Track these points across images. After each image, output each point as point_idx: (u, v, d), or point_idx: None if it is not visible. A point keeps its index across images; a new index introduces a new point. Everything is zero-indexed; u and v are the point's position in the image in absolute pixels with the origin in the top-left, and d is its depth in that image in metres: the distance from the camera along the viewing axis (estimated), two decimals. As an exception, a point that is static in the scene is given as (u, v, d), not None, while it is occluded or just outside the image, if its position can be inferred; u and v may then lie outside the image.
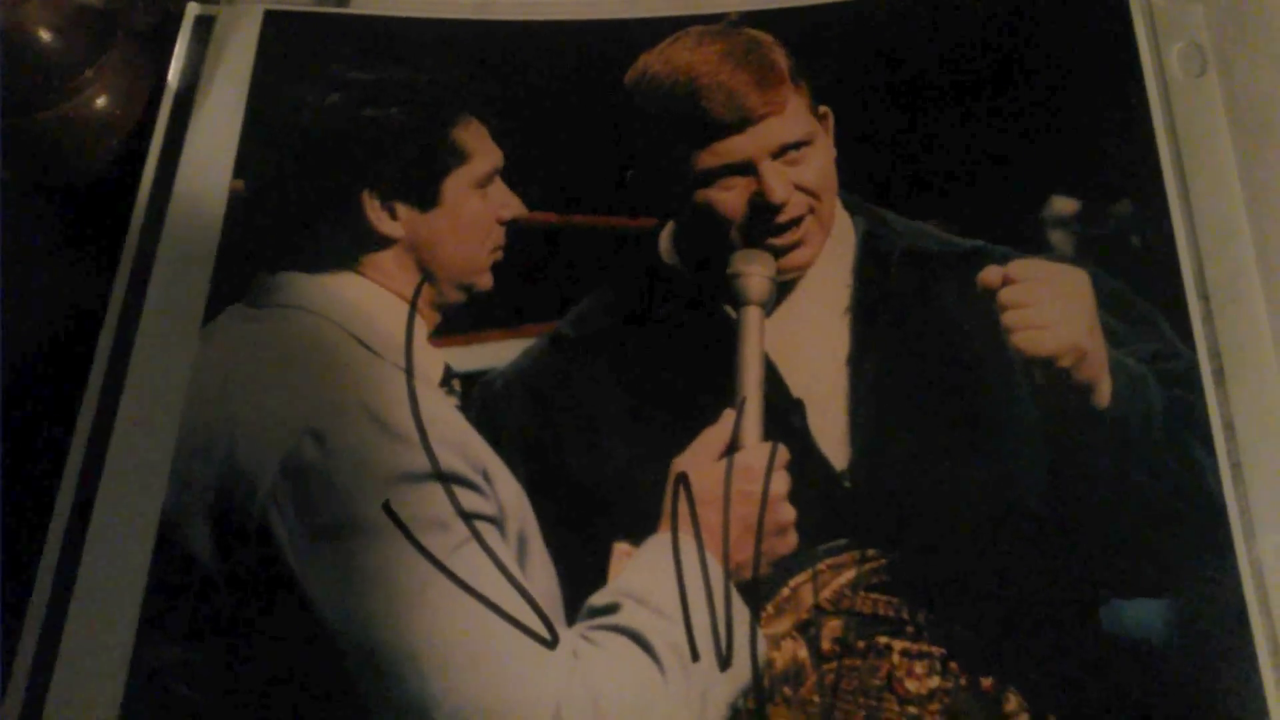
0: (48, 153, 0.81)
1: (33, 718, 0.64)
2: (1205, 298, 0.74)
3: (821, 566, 0.69)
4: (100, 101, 0.82)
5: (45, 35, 0.77)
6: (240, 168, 0.79)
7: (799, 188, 0.75)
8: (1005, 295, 0.70)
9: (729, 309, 0.74)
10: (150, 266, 0.76)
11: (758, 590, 0.67)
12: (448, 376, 0.74)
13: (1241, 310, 0.73)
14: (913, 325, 0.75)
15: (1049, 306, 0.70)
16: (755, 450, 0.69)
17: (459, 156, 0.75)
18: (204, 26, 0.85)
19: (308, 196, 0.76)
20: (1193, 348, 0.72)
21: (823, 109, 0.78)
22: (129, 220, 0.78)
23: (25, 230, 0.81)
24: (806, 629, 0.68)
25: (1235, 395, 0.71)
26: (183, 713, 0.65)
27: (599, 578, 0.68)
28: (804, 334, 0.76)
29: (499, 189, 0.77)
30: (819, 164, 0.77)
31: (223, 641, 0.66)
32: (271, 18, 0.85)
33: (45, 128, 0.80)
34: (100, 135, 0.82)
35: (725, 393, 0.71)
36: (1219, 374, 0.72)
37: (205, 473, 0.68)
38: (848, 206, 0.79)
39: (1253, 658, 0.65)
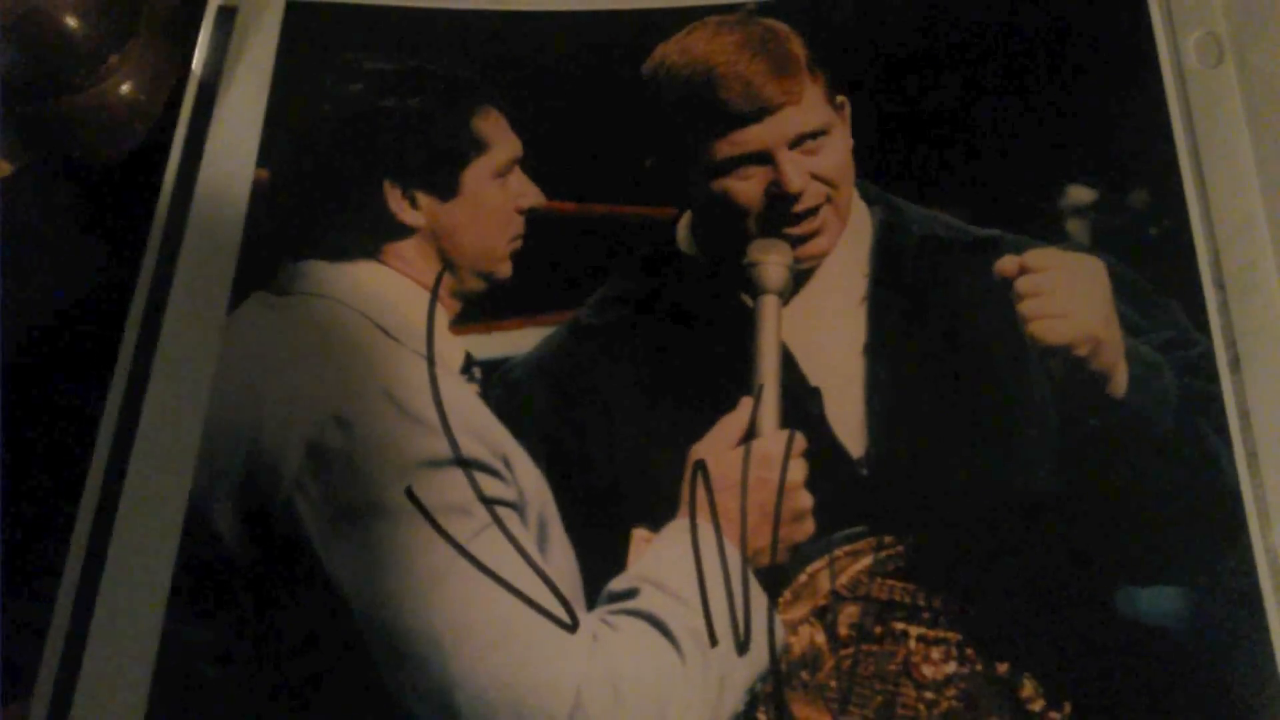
0: (73, 138, 0.82)
1: (65, 697, 0.65)
2: (1221, 286, 0.74)
3: (839, 553, 0.69)
4: (125, 88, 0.82)
5: (70, 20, 0.78)
6: (264, 157, 0.80)
7: (816, 177, 0.76)
8: (1022, 284, 0.71)
9: (746, 298, 0.75)
10: (176, 254, 0.77)
11: (775, 576, 0.68)
12: (468, 364, 0.74)
13: (1257, 299, 0.73)
14: (929, 314, 0.76)
15: (1065, 295, 0.70)
16: (773, 438, 0.70)
17: (479, 146, 0.76)
18: (226, 17, 0.86)
19: (330, 186, 0.76)
20: (1209, 336, 0.73)
21: (840, 98, 0.78)
22: (154, 208, 0.79)
23: (51, 215, 0.82)
24: (824, 614, 0.68)
25: (1251, 383, 0.71)
26: (210, 691, 0.66)
27: (618, 563, 0.69)
28: (821, 322, 0.76)
29: (518, 178, 0.77)
30: (836, 153, 0.77)
31: (249, 622, 0.67)
32: (293, 9, 0.85)
33: (70, 113, 0.81)
34: (125, 121, 0.83)
35: (743, 381, 0.72)
36: (1235, 362, 0.72)
37: (231, 457, 0.69)
38: (865, 196, 0.79)
39: (1268, 644, 0.66)
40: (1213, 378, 0.72)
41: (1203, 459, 0.70)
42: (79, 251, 0.81)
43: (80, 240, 0.82)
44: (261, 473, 0.68)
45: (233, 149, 0.80)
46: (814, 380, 0.74)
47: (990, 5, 0.84)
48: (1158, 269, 0.75)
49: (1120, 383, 0.70)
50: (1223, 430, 0.70)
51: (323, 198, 0.76)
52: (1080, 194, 0.77)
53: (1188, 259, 0.75)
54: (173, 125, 0.82)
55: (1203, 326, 0.73)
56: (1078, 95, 0.80)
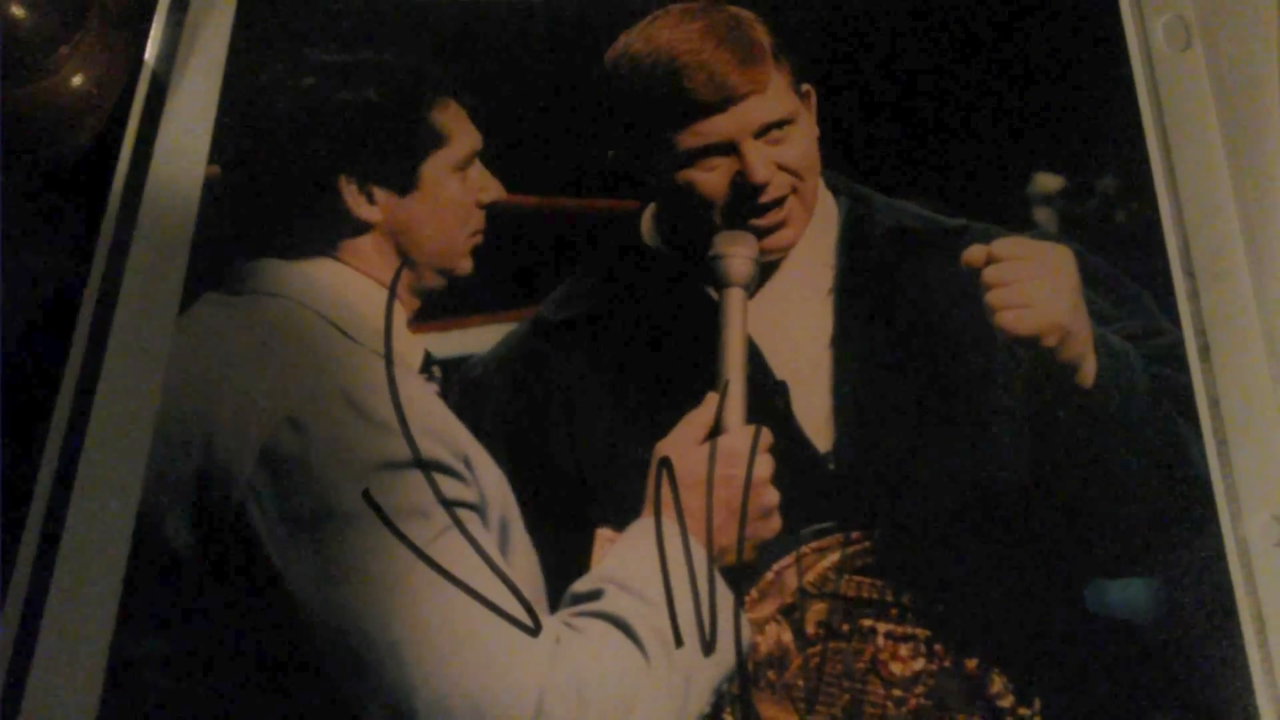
0: (23, 131, 0.80)
1: (12, 708, 0.64)
2: (1191, 274, 0.73)
3: (806, 550, 0.68)
4: (76, 80, 0.80)
5: (16, 9, 0.76)
6: (216, 152, 0.78)
7: (781, 167, 0.75)
8: (989, 274, 0.70)
9: (711, 291, 0.73)
10: (126, 254, 0.75)
11: (742, 574, 0.67)
12: (428, 363, 0.73)
13: (1227, 286, 0.73)
14: (896, 305, 0.75)
15: (1033, 285, 0.69)
16: (738, 433, 0.69)
17: (437, 139, 0.74)
18: (179, 8, 0.84)
19: (284, 181, 0.75)
20: (1178, 325, 0.72)
21: (805, 87, 0.77)
22: (105, 205, 0.77)
23: (2, 212, 0.80)
24: (791, 612, 0.68)
25: (1221, 372, 0.71)
26: (162, 703, 0.64)
27: (582, 564, 0.68)
28: (787, 315, 0.75)
29: (478, 171, 0.76)
30: (802, 143, 0.76)
31: (202, 632, 0.66)
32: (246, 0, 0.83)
33: (20, 105, 0.79)
34: (76, 114, 0.81)
35: (708, 375, 0.71)
36: (1204, 351, 0.71)
37: (183, 463, 0.68)
38: (831, 186, 0.78)
39: (1238, 635, 0.65)
40: (1182, 367, 0.71)
41: (1172, 448, 0.69)
42: (29, 247, 0.79)
43: (32, 238, 0.80)
44: (214, 478, 0.66)
45: (184, 144, 0.79)
46: (780, 374, 0.73)
47: (956, -10, 0.83)
48: (1126, 256, 0.74)
49: (1089, 372, 0.69)
50: (1192, 419, 0.70)
51: (277, 194, 0.75)
52: (1048, 181, 0.76)
53: (1156, 246, 0.74)
54: (126, 119, 0.80)
55: (1172, 314, 0.72)
56: (1045, 80, 0.79)
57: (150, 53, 0.83)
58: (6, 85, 0.78)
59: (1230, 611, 0.66)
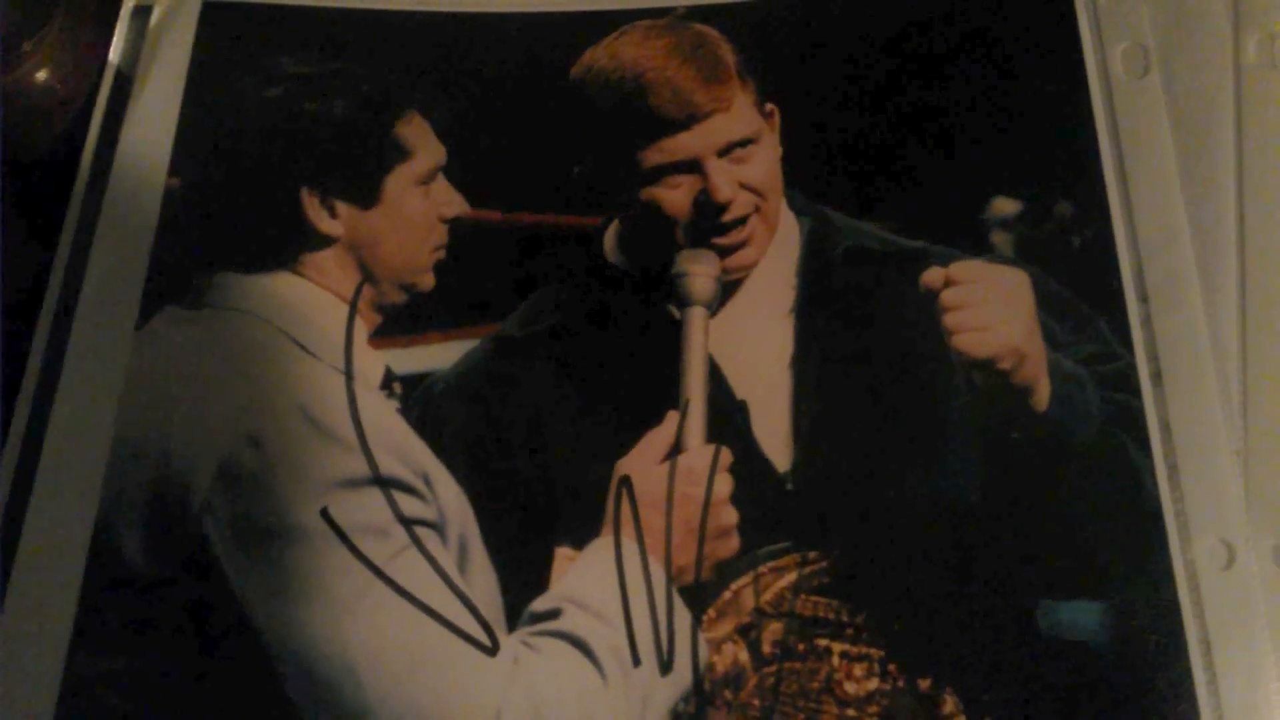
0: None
1: (-37, 729, 0.64)
2: (1144, 299, 0.74)
3: (763, 569, 0.69)
4: (41, 75, 0.80)
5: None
6: (176, 164, 0.78)
7: (745, 186, 0.75)
8: (946, 297, 0.70)
9: (673, 309, 0.74)
10: (85, 266, 0.75)
11: (699, 593, 0.67)
12: (388, 379, 0.73)
13: (1180, 312, 0.74)
14: (856, 326, 0.75)
15: (989, 308, 0.70)
16: (698, 453, 0.69)
17: (401, 153, 0.74)
18: (142, 17, 0.83)
19: (245, 194, 0.74)
20: (1131, 350, 0.73)
21: (769, 107, 0.77)
22: (64, 215, 0.76)
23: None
24: (747, 632, 0.68)
25: (1173, 397, 0.72)
26: (116, 722, 0.64)
27: (541, 583, 0.68)
28: (748, 335, 0.76)
29: (442, 186, 0.76)
30: (765, 162, 0.76)
31: (157, 650, 0.65)
32: (210, 9, 0.83)
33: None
34: (43, 110, 0.80)
35: (669, 394, 0.71)
36: (1157, 376, 0.72)
37: (140, 480, 0.67)
38: (793, 206, 0.78)
39: (1186, 659, 0.66)
40: (1135, 392, 0.72)
41: (1123, 473, 0.70)
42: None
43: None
44: (170, 494, 0.66)
45: (144, 156, 0.78)
46: (740, 393, 0.74)
47: (919, 14, 0.83)
48: (1081, 281, 0.75)
49: (1043, 396, 0.70)
50: (1144, 444, 0.71)
51: (237, 206, 0.74)
52: (1005, 205, 0.77)
53: (1111, 271, 0.75)
54: (90, 123, 0.79)
55: (1125, 339, 0.73)
56: (1004, 106, 0.80)
57: (114, 56, 0.82)
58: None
59: (1178, 634, 0.67)
